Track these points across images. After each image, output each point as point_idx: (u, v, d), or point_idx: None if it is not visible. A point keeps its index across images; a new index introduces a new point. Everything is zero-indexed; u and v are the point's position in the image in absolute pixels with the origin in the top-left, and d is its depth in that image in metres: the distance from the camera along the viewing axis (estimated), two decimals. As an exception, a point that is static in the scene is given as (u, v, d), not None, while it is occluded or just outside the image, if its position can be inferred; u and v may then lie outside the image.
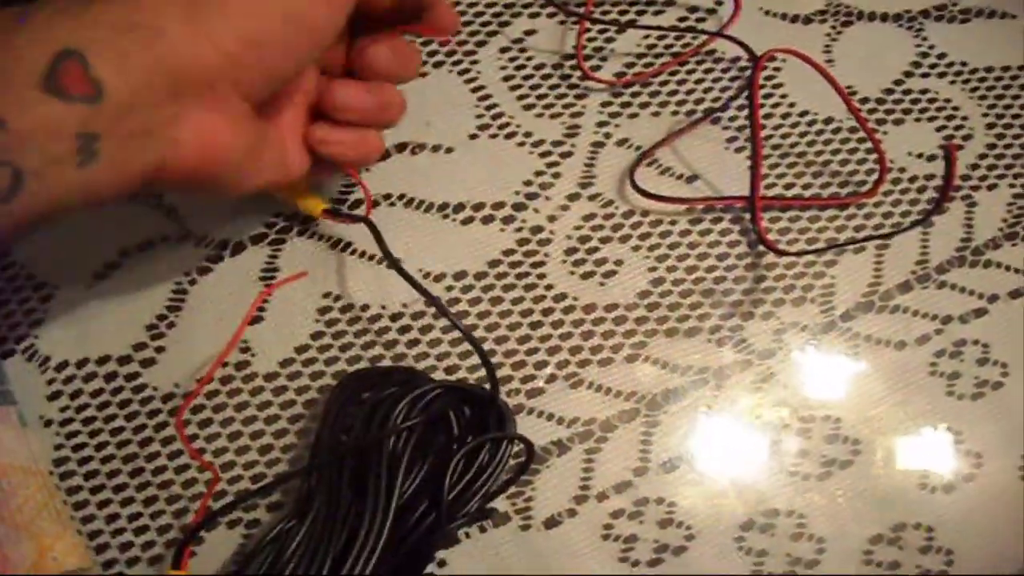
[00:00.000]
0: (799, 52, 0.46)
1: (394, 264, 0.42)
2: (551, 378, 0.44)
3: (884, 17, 0.54)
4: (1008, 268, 0.48)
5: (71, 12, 0.31)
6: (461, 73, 0.51)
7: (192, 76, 0.33)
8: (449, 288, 0.46)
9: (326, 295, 0.46)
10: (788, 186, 0.49)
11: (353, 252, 0.46)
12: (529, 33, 0.52)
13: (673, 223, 0.47)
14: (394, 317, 0.45)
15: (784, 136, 0.50)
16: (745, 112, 0.50)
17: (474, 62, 0.51)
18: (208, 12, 0.33)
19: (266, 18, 0.35)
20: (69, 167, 0.31)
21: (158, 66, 0.32)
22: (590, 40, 0.52)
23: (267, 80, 0.36)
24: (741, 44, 0.50)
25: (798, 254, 0.46)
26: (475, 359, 0.44)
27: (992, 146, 0.51)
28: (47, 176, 0.31)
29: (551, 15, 0.52)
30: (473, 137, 0.49)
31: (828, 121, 0.50)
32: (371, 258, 0.46)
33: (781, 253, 0.46)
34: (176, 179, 0.35)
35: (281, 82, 0.37)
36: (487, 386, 0.40)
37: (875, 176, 0.48)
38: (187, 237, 0.46)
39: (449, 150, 0.49)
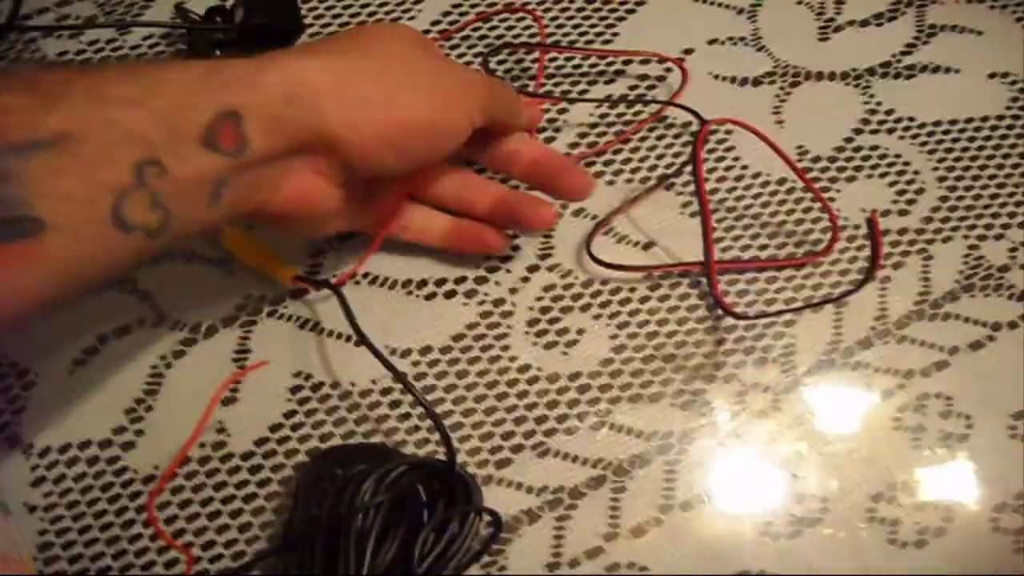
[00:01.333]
0: (739, 121, 0.48)
1: (363, 339, 0.43)
2: (518, 448, 0.45)
3: (831, 76, 0.56)
4: (967, 320, 0.49)
5: (245, 79, 0.36)
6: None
7: (322, 147, 0.38)
8: (416, 363, 0.47)
9: (297, 374, 0.47)
10: (745, 248, 0.50)
11: (322, 331, 0.47)
12: (486, 109, 0.53)
13: (632, 290, 0.48)
14: (363, 393, 0.46)
15: (738, 198, 0.51)
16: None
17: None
18: (362, 105, 0.39)
19: (411, 126, 0.40)
20: (201, 208, 0.36)
21: (299, 135, 0.37)
22: (544, 111, 0.53)
23: (381, 171, 0.41)
24: (690, 111, 0.51)
25: (754, 318, 0.47)
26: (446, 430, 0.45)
27: (945, 199, 0.52)
28: (186, 217, 0.35)
29: (506, 90, 0.53)
30: (435, 213, 0.50)
31: (781, 181, 0.51)
32: (339, 336, 0.47)
33: (738, 317, 0.47)
34: (261, 219, 0.40)
35: (391, 175, 0.42)
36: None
37: (830, 234, 0.49)
38: (162, 321, 0.47)
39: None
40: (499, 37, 0.56)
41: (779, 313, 0.48)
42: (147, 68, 0.36)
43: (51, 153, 0.30)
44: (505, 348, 0.47)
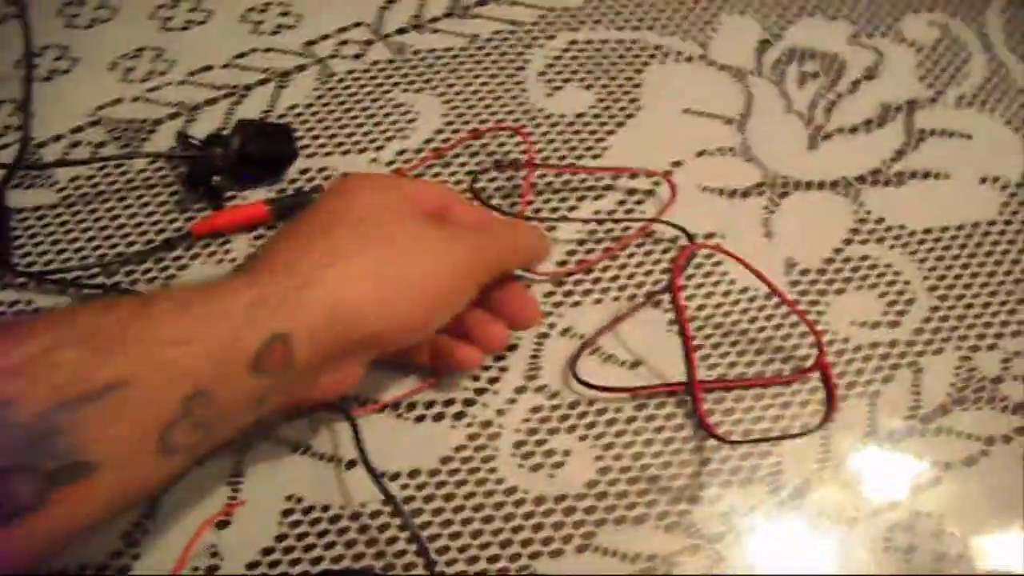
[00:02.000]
0: (719, 247, 0.48)
1: (368, 468, 0.45)
2: (503, 572, 0.45)
3: (821, 185, 0.56)
4: (960, 434, 0.48)
5: (291, 301, 0.38)
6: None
7: (361, 348, 0.41)
8: (404, 486, 0.47)
9: (288, 497, 0.47)
10: (732, 364, 0.50)
11: (313, 455, 0.48)
12: (475, 227, 0.54)
13: (619, 410, 0.49)
14: (353, 516, 0.46)
15: (726, 314, 0.52)
16: (686, 292, 0.51)
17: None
18: (397, 303, 0.41)
19: (437, 307, 0.43)
20: (242, 418, 0.38)
21: (344, 345, 0.40)
22: (533, 231, 0.54)
23: (412, 342, 0.44)
24: (677, 227, 0.52)
25: (738, 442, 0.47)
26: (432, 556, 0.45)
27: (936, 308, 0.52)
28: (228, 428, 0.38)
29: (495, 208, 0.54)
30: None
31: (769, 296, 0.52)
32: (330, 460, 0.48)
33: (722, 440, 0.47)
34: (295, 406, 0.44)
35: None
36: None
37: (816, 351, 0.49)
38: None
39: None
40: (490, 154, 0.57)
41: (762, 440, 0.47)
42: (197, 299, 0.37)
43: (103, 402, 0.33)
44: (492, 470, 0.47)
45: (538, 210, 0.55)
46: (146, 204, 0.55)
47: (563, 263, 0.53)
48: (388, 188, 0.45)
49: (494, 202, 0.55)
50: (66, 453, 0.32)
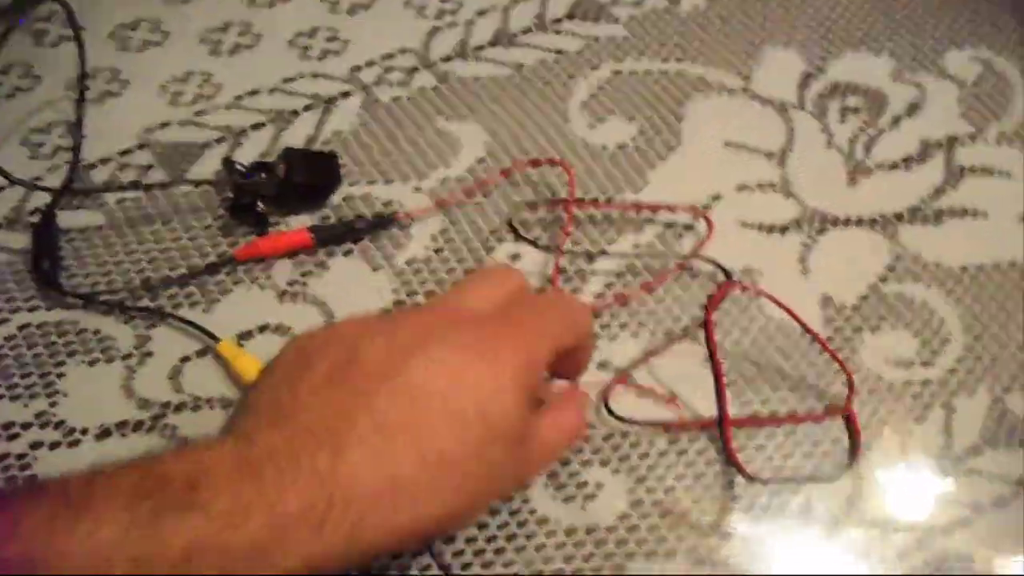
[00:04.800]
0: (750, 285, 0.49)
1: None
2: (497, 580, 0.46)
3: (859, 222, 0.56)
4: (991, 475, 0.49)
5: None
6: (453, 297, 0.54)
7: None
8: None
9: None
10: (764, 401, 0.51)
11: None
12: (514, 258, 0.55)
13: (651, 443, 0.49)
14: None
15: (760, 350, 0.52)
16: (722, 327, 0.52)
17: (464, 287, 0.54)
18: (408, 510, 0.36)
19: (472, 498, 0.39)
20: None
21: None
22: (571, 263, 0.55)
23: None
24: (714, 262, 0.53)
25: (766, 481, 0.48)
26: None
27: (970, 348, 0.52)
28: None
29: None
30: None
31: (803, 334, 0.52)
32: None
33: (751, 478, 0.48)
34: None
35: None
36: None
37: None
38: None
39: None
40: (532, 185, 0.58)
41: (790, 480, 0.48)
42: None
43: None
44: (525, 500, 0.48)
45: (577, 243, 0.55)
46: (190, 228, 0.56)
47: (600, 295, 0.54)
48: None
49: (533, 235, 0.56)
50: None
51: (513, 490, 0.43)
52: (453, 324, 0.40)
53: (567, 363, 0.44)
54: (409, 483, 0.35)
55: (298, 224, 0.56)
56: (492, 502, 0.43)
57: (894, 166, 0.59)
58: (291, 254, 0.55)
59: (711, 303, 0.48)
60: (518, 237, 0.56)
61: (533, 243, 0.55)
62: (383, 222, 0.56)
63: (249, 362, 0.50)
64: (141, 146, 0.60)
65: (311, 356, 0.40)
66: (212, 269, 0.54)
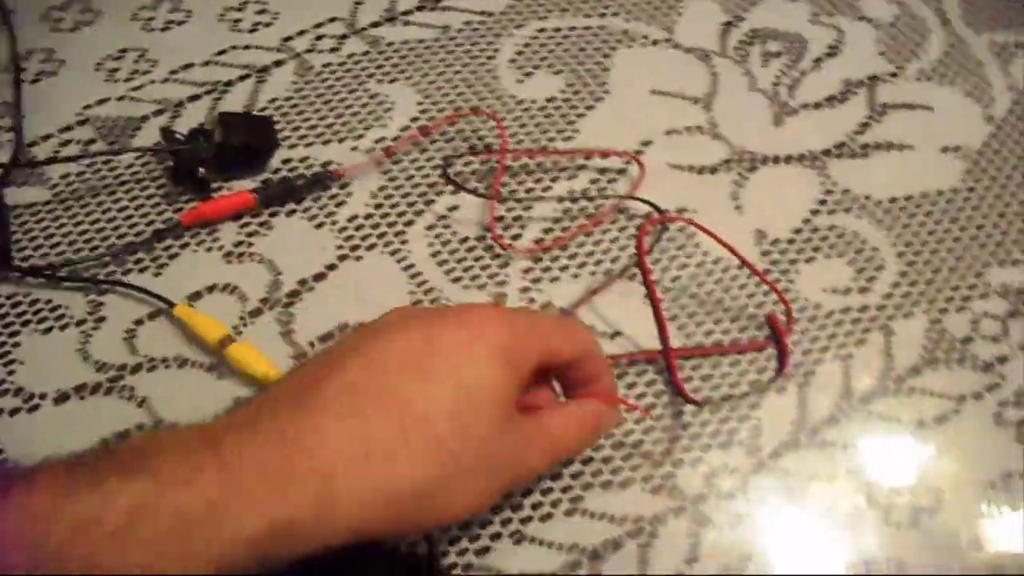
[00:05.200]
0: (683, 218, 0.50)
1: None
2: (496, 536, 0.46)
3: (788, 159, 0.57)
4: (932, 393, 0.50)
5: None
6: (392, 253, 0.54)
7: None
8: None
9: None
10: (708, 333, 0.51)
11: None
12: (452, 209, 0.55)
13: (599, 379, 0.49)
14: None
15: (700, 284, 0.53)
16: (660, 265, 0.52)
17: (404, 242, 0.54)
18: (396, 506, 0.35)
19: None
20: None
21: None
22: (509, 210, 0.55)
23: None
24: (648, 202, 0.53)
25: (711, 407, 0.48)
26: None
27: (904, 274, 0.53)
28: None
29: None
30: (408, 313, 0.52)
31: (741, 267, 0.53)
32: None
33: (697, 404, 0.48)
34: None
35: None
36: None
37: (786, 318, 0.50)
38: (159, 425, 0.48)
39: (386, 326, 0.51)
40: (466, 140, 0.58)
41: (729, 399, 0.49)
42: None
43: None
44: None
45: (513, 191, 0.55)
46: (135, 198, 0.56)
47: (540, 240, 0.54)
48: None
49: (469, 185, 0.55)
50: None
51: (516, 477, 0.39)
52: (438, 308, 0.40)
53: (578, 377, 0.43)
54: (382, 446, 0.34)
55: (241, 188, 0.56)
56: (492, 485, 0.38)
57: (818, 105, 0.60)
58: (236, 216, 0.55)
59: (641, 234, 0.49)
60: (455, 187, 0.55)
61: (472, 192, 0.55)
62: (322, 178, 0.56)
63: (206, 322, 0.50)
64: (81, 122, 0.59)
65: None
66: (159, 235, 0.54)
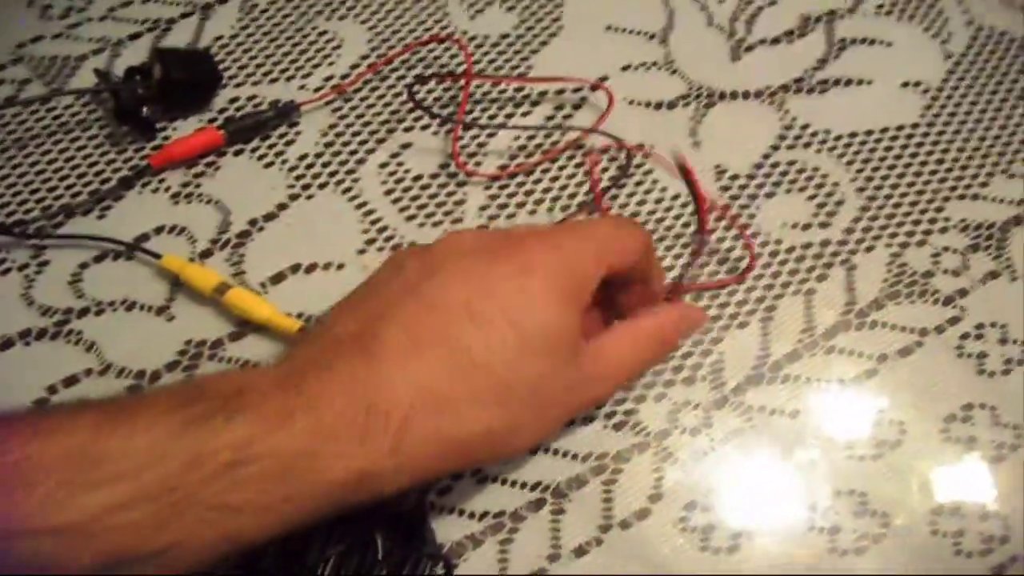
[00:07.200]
0: (627, 144, 0.48)
1: None
2: (457, 475, 0.45)
3: (746, 95, 0.56)
4: (894, 327, 0.49)
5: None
6: (344, 192, 0.52)
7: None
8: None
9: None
10: (668, 268, 0.50)
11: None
12: (405, 147, 0.53)
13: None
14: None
15: (659, 220, 0.52)
16: (619, 202, 0.51)
17: (356, 180, 0.52)
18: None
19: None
20: None
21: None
22: (464, 146, 0.53)
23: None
24: (612, 136, 0.52)
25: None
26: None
27: (865, 208, 0.53)
28: None
29: (424, 127, 0.54)
30: (361, 252, 0.50)
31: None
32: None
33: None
34: None
35: None
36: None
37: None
38: (107, 370, 0.47)
39: (340, 267, 0.50)
40: (427, 67, 0.56)
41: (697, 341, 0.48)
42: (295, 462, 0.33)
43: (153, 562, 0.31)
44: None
45: (476, 118, 0.54)
46: (77, 140, 0.54)
47: (504, 167, 0.53)
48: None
49: (433, 111, 0.54)
50: None
51: (578, 407, 0.41)
52: (490, 237, 0.40)
53: (634, 295, 0.43)
54: (446, 393, 0.35)
55: (189, 128, 0.54)
56: (556, 417, 0.40)
57: (776, 40, 0.59)
58: (204, 154, 0.53)
59: (593, 166, 0.47)
60: (422, 111, 0.54)
61: (435, 117, 0.53)
62: (287, 110, 0.54)
63: (199, 271, 0.49)
64: (15, 60, 0.56)
65: (371, 278, 0.40)
66: (127, 182, 0.52)
